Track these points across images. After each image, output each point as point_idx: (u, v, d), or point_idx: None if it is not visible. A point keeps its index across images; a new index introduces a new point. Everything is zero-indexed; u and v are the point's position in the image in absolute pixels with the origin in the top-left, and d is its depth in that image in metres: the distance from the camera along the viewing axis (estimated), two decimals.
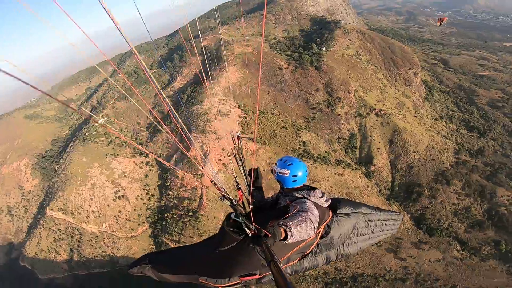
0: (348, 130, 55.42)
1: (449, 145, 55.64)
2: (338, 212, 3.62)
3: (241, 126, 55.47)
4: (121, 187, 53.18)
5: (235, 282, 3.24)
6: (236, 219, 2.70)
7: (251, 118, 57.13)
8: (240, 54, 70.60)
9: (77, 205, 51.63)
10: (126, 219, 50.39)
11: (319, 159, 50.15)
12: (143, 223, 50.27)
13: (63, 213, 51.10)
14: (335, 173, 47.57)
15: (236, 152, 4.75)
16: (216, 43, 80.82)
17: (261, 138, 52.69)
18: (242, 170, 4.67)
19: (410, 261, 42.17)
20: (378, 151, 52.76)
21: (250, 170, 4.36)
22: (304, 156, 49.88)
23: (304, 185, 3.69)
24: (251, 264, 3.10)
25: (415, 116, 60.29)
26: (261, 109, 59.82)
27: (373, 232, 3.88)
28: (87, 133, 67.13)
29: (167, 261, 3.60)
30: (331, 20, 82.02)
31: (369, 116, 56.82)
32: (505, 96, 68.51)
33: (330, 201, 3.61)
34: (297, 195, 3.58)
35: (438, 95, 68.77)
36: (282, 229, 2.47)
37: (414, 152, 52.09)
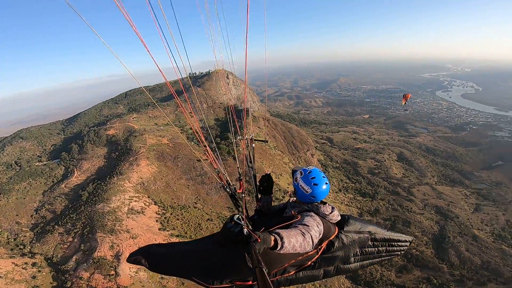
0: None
1: (353, 210, 65.53)
2: (345, 229, 3.56)
3: (161, 223, 50.55)
4: None
5: (227, 285, 3.23)
6: (238, 221, 2.58)
7: (171, 214, 53.26)
8: (154, 146, 68.75)
9: None
10: None
11: None
12: None
13: None
14: None
15: (248, 154, 4.97)
16: (125, 132, 76.85)
17: (185, 233, 49.19)
18: (252, 172, 4.82)
19: None
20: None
21: (263, 176, 4.39)
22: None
23: None
24: (245, 270, 3.01)
25: None
26: (182, 204, 57.02)
27: (378, 252, 3.79)
28: None
29: (165, 257, 3.52)
30: (242, 109, 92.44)
31: (284, 198, 62.23)
32: (377, 163, 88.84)
33: (339, 218, 3.54)
34: (305, 207, 3.51)
35: (332, 171, 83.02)
36: (272, 238, 2.41)
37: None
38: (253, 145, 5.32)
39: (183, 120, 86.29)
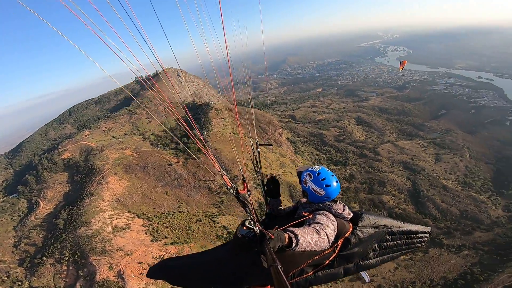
0: (255, 201, 59.44)
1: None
2: (359, 225, 3.52)
3: (151, 235, 48.85)
4: None
5: None
6: (249, 226, 2.53)
7: (158, 223, 51.45)
8: (118, 160, 64.50)
9: None
10: None
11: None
12: None
13: None
14: None
15: (254, 159, 5.00)
16: (82, 153, 70.64)
17: (179, 239, 48.35)
18: (259, 176, 4.83)
19: (375, 279, 45.35)
20: (285, 205, 58.84)
21: (268, 179, 4.52)
22: (228, 238, 48.93)
23: None
24: (263, 274, 2.92)
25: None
26: (166, 211, 55.19)
27: (397, 246, 3.68)
28: None
29: (184, 269, 3.53)
30: (202, 104, 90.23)
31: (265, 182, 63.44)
32: (340, 130, 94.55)
33: (352, 214, 3.53)
34: (317, 207, 3.52)
35: (302, 146, 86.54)
36: (287, 235, 2.40)
37: None
38: (259, 150, 5.22)
39: (142, 128, 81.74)
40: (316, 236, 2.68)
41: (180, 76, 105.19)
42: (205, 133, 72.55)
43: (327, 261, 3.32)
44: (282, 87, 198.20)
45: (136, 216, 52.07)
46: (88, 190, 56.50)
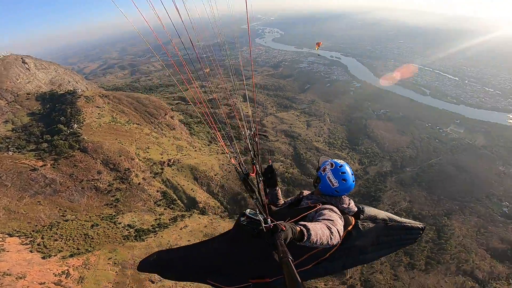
0: (157, 191, 55.50)
1: (230, 157, 72.09)
2: (361, 218, 3.55)
3: (38, 252, 38.31)
4: None
5: (244, 285, 3.17)
6: (251, 215, 2.44)
7: (42, 237, 40.60)
8: None
9: None
10: None
11: (157, 228, 46.80)
12: None
13: None
14: (180, 229, 46.82)
15: (252, 148, 4.93)
16: None
17: (78, 249, 40.53)
18: (257, 166, 4.68)
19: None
20: (193, 191, 57.96)
21: (266, 168, 4.51)
22: (141, 236, 44.48)
23: None
24: (262, 266, 2.98)
25: (195, 151, 71.82)
26: (47, 224, 44.18)
27: (393, 241, 3.71)
28: None
29: (176, 262, 3.46)
30: (65, 92, 73.30)
31: (164, 170, 59.98)
32: (230, 107, 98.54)
33: (356, 209, 3.57)
34: (324, 199, 3.51)
35: (196, 127, 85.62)
36: (298, 228, 2.33)
37: (215, 175, 62.98)
38: (257, 139, 5.09)
39: None
40: (328, 233, 2.62)
41: (26, 64, 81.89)
42: (76, 125, 60.40)
43: (328, 254, 3.25)
44: (167, 68, 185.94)
45: (7, 235, 39.45)
46: None
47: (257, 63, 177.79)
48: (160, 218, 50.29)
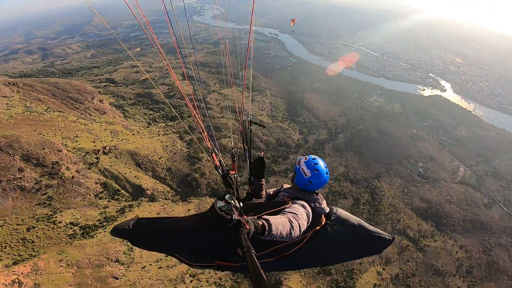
0: (96, 183, 49.95)
1: (172, 137, 67.56)
2: (332, 220, 3.57)
3: None
4: None
5: (209, 264, 3.24)
6: (229, 200, 2.54)
7: None
8: None
9: None
10: None
11: (104, 222, 42.66)
12: None
13: None
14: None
15: (245, 136, 5.05)
16: None
17: (20, 255, 35.61)
18: (247, 154, 4.86)
19: None
20: (137, 178, 53.99)
21: (255, 159, 4.59)
22: (89, 232, 40.34)
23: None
24: (230, 251, 3.02)
25: (133, 135, 66.18)
26: None
27: (359, 248, 3.65)
28: None
29: (148, 231, 3.53)
30: None
31: (100, 158, 54.06)
32: (168, 87, 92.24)
33: (328, 210, 3.57)
34: (299, 195, 3.55)
35: (131, 109, 78.44)
36: (260, 223, 2.41)
37: (159, 158, 59.59)
38: (251, 127, 5.06)
39: None
40: (288, 227, 2.66)
41: None
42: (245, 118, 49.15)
43: (292, 250, 3.29)
44: (88, 50, 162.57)
45: None
46: None
47: (196, 40, 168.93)
48: (105, 211, 46.37)
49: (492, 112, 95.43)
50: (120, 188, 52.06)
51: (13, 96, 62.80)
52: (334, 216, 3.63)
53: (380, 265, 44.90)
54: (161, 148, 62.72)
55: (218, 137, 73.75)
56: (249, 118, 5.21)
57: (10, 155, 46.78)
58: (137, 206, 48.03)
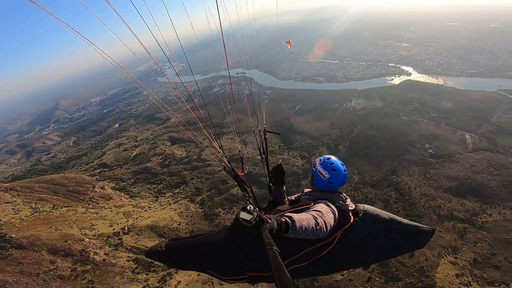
0: (128, 261, 48.79)
1: (184, 202, 67.11)
2: (360, 218, 3.42)
3: None
4: None
5: (242, 277, 3.22)
6: (250, 210, 2.43)
7: None
8: None
9: None
10: None
11: None
12: None
13: None
14: (175, 287, 41.68)
15: (261, 145, 5.02)
16: None
17: None
18: (265, 164, 4.84)
19: None
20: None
21: (274, 167, 4.54)
22: None
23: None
24: (260, 260, 2.99)
25: (146, 211, 65.15)
26: None
27: (397, 244, 3.46)
28: None
29: (181, 251, 3.56)
30: None
31: (123, 239, 52.72)
32: (162, 156, 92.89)
33: (354, 207, 3.48)
34: (320, 195, 3.48)
35: (134, 188, 77.82)
36: (283, 220, 2.36)
37: (179, 224, 58.20)
38: (266, 136, 5.12)
39: None
40: (313, 223, 2.59)
41: None
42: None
43: (324, 252, 3.17)
44: (68, 138, 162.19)
45: None
46: None
47: (169, 101, 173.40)
48: (148, 284, 45.91)
49: (461, 79, 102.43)
50: (152, 260, 50.18)
51: (16, 201, 62.34)
52: (362, 213, 3.45)
53: (448, 255, 41.11)
54: (177, 215, 61.85)
55: (226, 189, 72.74)
56: (264, 127, 5.24)
57: (36, 252, 46.59)
58: (176, 272, 47.03)
